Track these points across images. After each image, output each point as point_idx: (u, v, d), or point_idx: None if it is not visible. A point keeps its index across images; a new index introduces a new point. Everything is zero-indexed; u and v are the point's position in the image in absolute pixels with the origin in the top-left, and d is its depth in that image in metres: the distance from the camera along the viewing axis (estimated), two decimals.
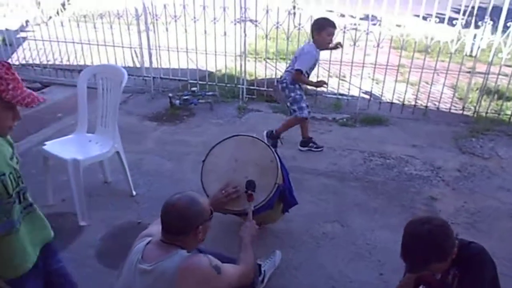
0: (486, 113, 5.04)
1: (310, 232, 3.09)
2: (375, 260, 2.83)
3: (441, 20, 4.82)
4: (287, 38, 5.27)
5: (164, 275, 1.70)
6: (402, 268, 2.43)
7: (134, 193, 3.47)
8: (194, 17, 5.27)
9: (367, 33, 4.92)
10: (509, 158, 4.24)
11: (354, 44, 5.03)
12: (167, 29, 5.42)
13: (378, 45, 4.93)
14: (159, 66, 5.80)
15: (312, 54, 3.95)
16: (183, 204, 1.79)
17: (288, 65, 4.29)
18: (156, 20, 5.47)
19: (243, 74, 5.48)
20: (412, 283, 1.96)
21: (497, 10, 4.62)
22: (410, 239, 1.73)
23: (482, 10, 4.97)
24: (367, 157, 4.20)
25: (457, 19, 4.71)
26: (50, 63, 6.24)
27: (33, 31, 6.52)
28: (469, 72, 5.42)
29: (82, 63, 6.04)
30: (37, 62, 6.24)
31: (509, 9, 4.49)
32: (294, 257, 2.83)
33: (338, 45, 4.26)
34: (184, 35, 5.39)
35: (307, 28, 5.06)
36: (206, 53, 5.43)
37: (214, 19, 5.20)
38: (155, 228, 1.96)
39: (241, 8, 5.07)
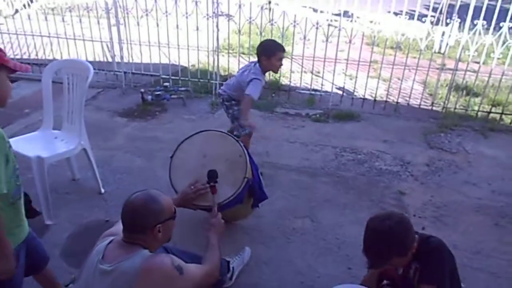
0: (455, 108, 5.15)
1: (281, 228, 3.11)
2: (343, 255, 2.86)
3: (412, 17, 4.89)
4: (260, 34, 5.26)
5: (124, 275, 1.66)
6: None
7: (102, 190, 3.40)
8: (166, 11, 5.19)
9: (339, 29, 4.94)
10: (476, 153, 4.35)
11: (327, 40, 5.06)
12: (138, 23, 5.32)
13: (350, 41, 4.97)
14: (131, 61, 5.70)
15: (262, 81, 3.47)
16: (140, 202, 1.75)
17: (229, 79, 3.85)
18: (127, 13, 5.36)
19: (216, 69, 5.44)
20: (375, 278, 1.99)
21: (464, 7, 4.71)
22: (371, 235, 1.76)
23: (452, 7, 5.07)
24: (339, 153, 4.24)
25: (427, 16, 4.79)
26: (17, 57, 6.04)
27: (0, 24, 6.31)
28: (438, 68, 5.53)
29: (51, 57, 5.88)
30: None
31: (475, 7, 4.59)
32: (264, 253, 2.84)
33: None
34: (156, 30, 5.31)
35: (280, 23, 5.09)
36: (178, 48, 5.37)
37: (186, 13, 5.14)
38: (118, 227, 1.92)
39: (213, 2, 5.02)
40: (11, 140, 3.12)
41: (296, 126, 4.81)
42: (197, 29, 5.21)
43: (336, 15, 5.52)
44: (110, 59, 5.87)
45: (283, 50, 3.47)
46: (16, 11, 6.18)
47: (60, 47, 5.82)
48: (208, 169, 2.49)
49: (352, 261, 2.80)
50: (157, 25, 5.27)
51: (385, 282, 2.04)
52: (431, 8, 4.95)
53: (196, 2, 5.06)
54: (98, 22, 5.45)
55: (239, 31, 5.27)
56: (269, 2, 7.74)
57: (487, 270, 2.78)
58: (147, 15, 5.26)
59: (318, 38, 5.07)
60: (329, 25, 5.10)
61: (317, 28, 5.00)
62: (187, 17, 5.15)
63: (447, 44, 4.87)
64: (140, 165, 3.87)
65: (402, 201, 3.50)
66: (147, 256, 1.71)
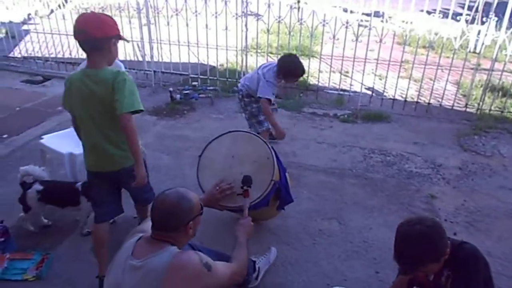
0: (490, 110, 4.98)
1: (307, 229, 3.07)
2: (371, 258, 2.80)
3: (446, 16, 4.75)
4: (289, 33, 5.23)
5: (153, 271, 1.68)
6: (397, 267, 2.42)
7: None
8: (196, 11, 5.24)
9: (370, 29, 4.86)
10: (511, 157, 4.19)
11: (357, 39, 4.98)
12: (168, 23, 5.39)
13: (380, 41, 4.88)
14: (161, 60, 5.78)
15: (274, 85, 3.60)
16: (172, 201, 1.77)
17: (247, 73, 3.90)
18: (158, 13, 5.44)
19: (244, 69, 5.45)
20: (405, 285, 1.94)
21: (502, 6, 4.54)
22: (402, 241, 1.70)
23: (488, 5, 4.89)
24: (367, 154, 4.17)
25: (461, 14, 4.64)
26: (52, 56, 6.23)
27: (36, 24, 6.52)
28: (473, 68, 5.35)
29: (84, 56, 6.03)
30: (39, 55, 6.24)
31: None
32: (290, 254, 2.81)
33: None
34: (185, 29, 5.36)
35: (309, 22, 5.04)
36: (207, 47, 5.40)
37: (216, 13, 5.17)
38: (148, 224, 1.94)
39: (242, 2, 5.03)
40: (44, 137, 3.25)
41: (324, 127, 4.75)
42: (226, 28, 5.23)
43: (367, 14, 5.44)
44: (140, 58, 5.97)
45: (302, 75, 3.66)
46: (52, 11, 6.37)
47: None
48: (235, 170, 2.50)
49: (379, 265, 2.74)
50: (187, 24, 5.32)
51: None
52: (466, 6, 4.80)
53: (226, 2, 5.08)
54: (130, 22, 5.54)
55: (268, 30, 5.26)
56: (298, 1, 7.71)
57: None
58: (177, 15, 5.32)
59: (348, 37, 5.00)
60: (359, 24, 5.02)
61: (346, 27, 4.92)
62: (216, 17, 5.18)
63: (483, 43, 4.70)
64: (168, 163, 3.92)
65: (433, 205, 3.40)
66: (175, 252, 1.73)
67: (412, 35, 5.20)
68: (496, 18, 4.52)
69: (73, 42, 5.95)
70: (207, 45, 5.39)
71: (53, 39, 6.22)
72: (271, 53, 6.22)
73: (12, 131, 4.41)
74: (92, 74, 2.22)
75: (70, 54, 6.06)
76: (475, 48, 6.09)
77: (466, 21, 4.71)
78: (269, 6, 4.98)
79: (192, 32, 5.36)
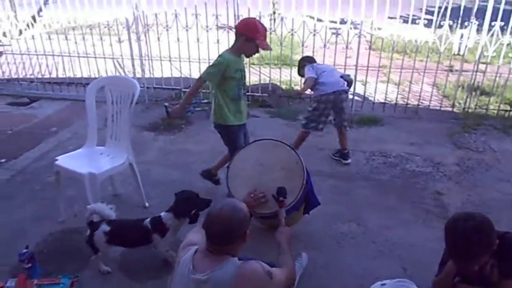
0: (475, 109, 5.25)
1: (329, 233, 3.15)
2: (396, 256, 2.90)
3: (410, 21, 5.03)
4: (281, 44, 5.34)
5: (220, 284, 1.71)
6: (423, 262, 2.55)
7: (147, 204, 3.43)
8: (186, 25, 5.27)
9: (360, 36, 5.02)
10: (503, 151, 4.43)
11: (347, 47, 5.12)
12: (159, 39, 5.39)
13: (370, 48, 5.07)
14: (152, 76, 5.76)
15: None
16: (227, 214, 1.78)
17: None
18: (148, 30, 5.43)
19: None
20: (452, 276, 2.02)
21: (481, 10, 4.83)
22: (458, 238, 1.77)
23: (457, 10, 5.18)
24: (369, 157, 4.30)
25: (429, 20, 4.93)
26: (38, 76, 6.07)
27: (8, 45, 6.34)
28: (457, 70, 5.62)
29: (71, 75, 5.94)
30: (21, 76, 6.08)
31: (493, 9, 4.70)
32: (319, 258, 2.87)
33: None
34: (176, 44, 5.38)
35: (284, 32, 5.15)
36: (199, 61, 5.44)
37: (207, 27, 5.22)
38: (197, 237, 1.96)
39: (234, 15, 5.10)
40: (59, 158, 3.18)
41: (322, 133, 4.84)
42: (218, 42, 5.28)
43: (337, 22, 5.58)
44: (131, 75, 5.92)
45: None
46: (20, 31, 6.18)
47: (80, 65, 5.86)
48: (265, 177, 2.56)
49: (405, 262, 2.84)
50: (178, 39, 5.34)
51: (457, 279, 2.07)
52: (436, 12, 5.06)
53: (217, 16, 5.14)
54: (119, 40, 5.51)
55: None
56: (274, 13, 7.86)
57: None
58: (167, 30, 5.33)
59: (320, 44, 5.13)
60: (333, 33, 5.15)
61: (314, 35, 5.08)
62: (207, 31, 5.23)
63: (466, 46, 4.97)
64: (178, 178, 3.90)
65: (441, 201, 3.55)
66: (238, 264, 1.76)
67: (399, 41, 5.40)
68: (477, 22, 4.79)
69: (51, 61, 5.85)
70: (199, 59, 5.42)
71: (30, 59, 6.06)
72: (253, 63, 6.40)
73: (9, 155, 4.27)
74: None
75: (57, 74, 5.94)
76: (459, 50, 6.40)
77: (441, 26, 4.93)
78: (259, 18, 5.08)
79: (183, 46, 5.38)
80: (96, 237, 2.62)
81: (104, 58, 5.76)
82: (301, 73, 4.22)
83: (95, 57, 5.73)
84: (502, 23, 4.68)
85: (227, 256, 1.78)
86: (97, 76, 5.75)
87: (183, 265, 1.82)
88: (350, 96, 5.41)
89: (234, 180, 2.65)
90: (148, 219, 2.68)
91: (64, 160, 3.10)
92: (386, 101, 5.32)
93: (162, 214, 2.67)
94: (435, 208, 3.43)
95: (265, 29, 3.15)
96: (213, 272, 1.72)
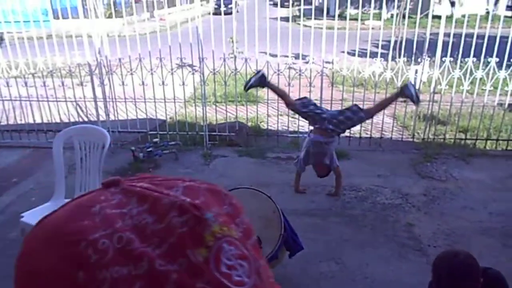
0: (433, 139, 5.51)
1: (309, 273, 3.14)
2: None
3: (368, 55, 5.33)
4: (225, 83, 5.48)
5: None
6: None
7: None
8: (151, 69, 5.28)
9: (322, 75, 5.22)
10: (463, 178, 4.65)
11: (303, 82, 5.30)
12: (123, 83, 5.36)
13: (332, 84, 5.26)
14: (116, 118, 5.68)
15: None
16: None
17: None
18: (111, 74, 5.39)
19: (204, 121, 5.53)
20: None
21: (432, 45, 5.14)
22: (448, 275, 1.81)
23: (410, 42, 5.51)
24: (340, 192, 4.38)
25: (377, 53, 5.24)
26: None
27: None
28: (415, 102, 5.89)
29: (30, 121, 5.74)
30: None
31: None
32: None
33: None
34: (141, 87, 5.36)
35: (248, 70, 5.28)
36: (165, 102, 5.43)
37: (172, 69, 5.26)
38: None
39: (199, 58, 5.16)
40: (24, 214, 3.03)
41: (292, 170, 4.90)
42: (183, 84, 5.32)
43: (296, 57, 5.80)
44: (94, 119, 5.80)
45: None
46: None
47: (40, 110, 5.68)
48: None
49: None
50: (143, 83, 5.33)
51: None
52: (391, 46, 5.36)
53: (181, 59, 5.20)
54: (82, 84, 5.42)
55: (225, 82, 5.44)
56: (233, 51, 8.03)
57: None
58: (131, 74, 5.31)
59: (282, 81, 5.27)
60: (289, 67, 5.34)
61: (278, 74, 5.24)
62: (172, 74, 5.27)
63: (421, 80, 5.27)
64: None
65: (413, 232, 3.65)
66: None
67: (360, 76, 5.64)
68: (428, 58, 5.10)
69: (9, 106, 5.66)
70: (164, 100, 5.42)
71: None
72: (217, 102, 6.52)
73: None
74: None
75: (15, 121, 5.72)
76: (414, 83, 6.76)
77: (394, 58, 5.21)
78: (224, 60, 5.18)
79: (148, 88, 5.37)
80: None
81: (66, 101, 5.62)
82: None
83: (57, 101, 5.59)
84: (451, 59, 5.00)
85: None
86: (58, 121, 5.60)
87: None
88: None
89: None
90: None
91: (30, 217, 2.95)
92: (351, 135, 5.48)
93: None
94: (408, 241, 3.51)
95: None
96: None
